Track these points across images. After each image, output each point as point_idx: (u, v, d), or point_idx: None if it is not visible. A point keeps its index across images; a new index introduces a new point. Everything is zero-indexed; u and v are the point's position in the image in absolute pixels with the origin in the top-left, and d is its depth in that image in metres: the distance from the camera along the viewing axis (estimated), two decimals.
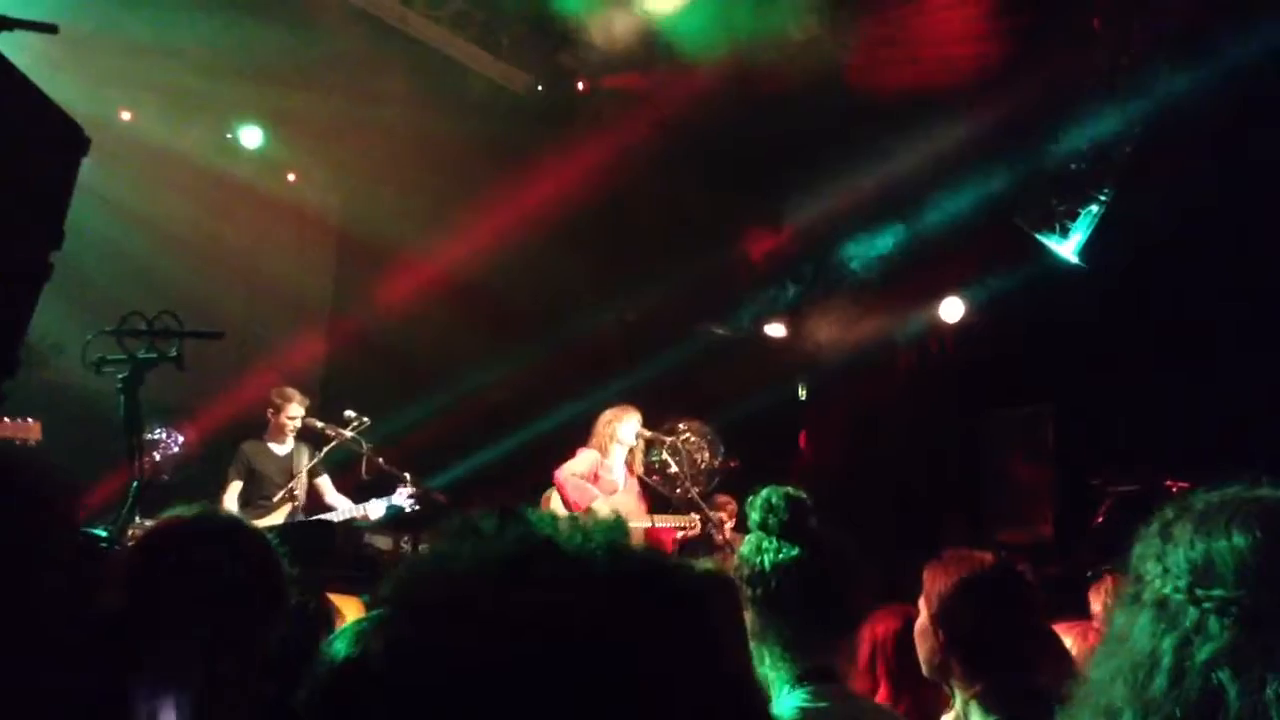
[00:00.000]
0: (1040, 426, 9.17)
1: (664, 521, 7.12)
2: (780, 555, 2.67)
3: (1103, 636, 1.41)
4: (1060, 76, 7.67)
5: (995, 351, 8.76)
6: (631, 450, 7.10)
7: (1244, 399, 6.91)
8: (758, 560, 2.61)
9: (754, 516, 2.74)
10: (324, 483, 7.28)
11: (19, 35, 3.15)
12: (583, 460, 6.93)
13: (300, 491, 7.11)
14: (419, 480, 6.97)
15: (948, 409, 9.21)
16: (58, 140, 2.87)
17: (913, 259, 8.89)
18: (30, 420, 6.01)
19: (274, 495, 6.99)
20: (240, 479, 7.07)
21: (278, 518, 6.91)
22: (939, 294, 9.13)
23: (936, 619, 2.56)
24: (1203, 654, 1.27)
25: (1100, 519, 7.39)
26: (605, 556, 0.96)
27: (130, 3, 7.26)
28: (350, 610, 3.80)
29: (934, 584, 2.64)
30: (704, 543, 7.54)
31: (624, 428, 7.03)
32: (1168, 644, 1.28)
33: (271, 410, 7.25)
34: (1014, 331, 8.60)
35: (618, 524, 1.00)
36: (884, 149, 8.22)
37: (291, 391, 7.32)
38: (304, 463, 7.14)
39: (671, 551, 7.16)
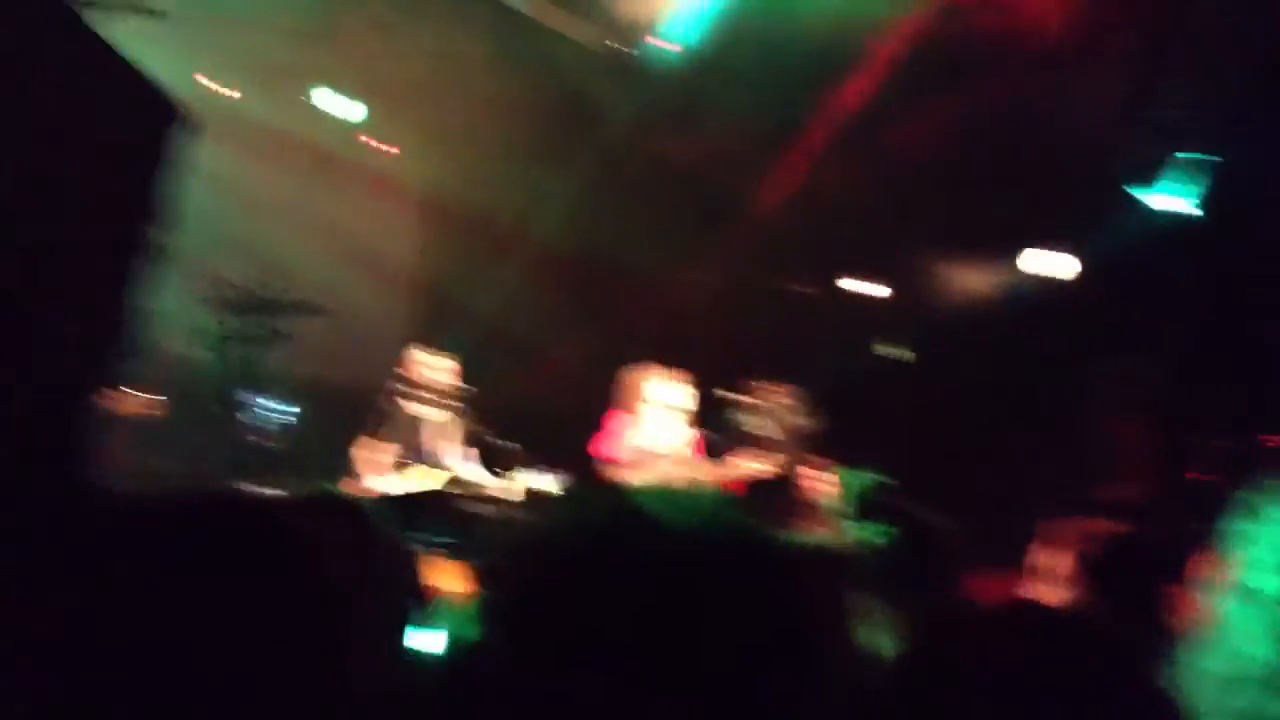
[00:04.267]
0: (1141, 381, 8.94)
1: (725, 471, 7.05)
2: (869, 539, 2.69)
3: (1198, 623, 1.33)
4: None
5: (1097, 304, 8.55)
6: (680, 412, 7.03)
7: None
8: (850, 544, 2.63)
9: (842, 504, 2.75)
10: (456, 451, 7.28)
11: (114, 15, 3.18)
12: (621, 428, 6.92)
13: (441, 455, 7.11)
14: (524, 451, 6.99)
15: (1047, 364, 9.01)
16: (157, 116, 2.90)
17: (1012, 212, 8.68)
18: (136, 394, 6.15)
19: (415, 458, 7.00)
20: (384, 441, 7.09)
21: (416, 481, 6.95)
22: (1038, 246, 8.93)
23: (1056, 587, 2.50)
24: None
25: (1199, 477, 7.22)
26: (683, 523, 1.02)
27: None
28: (450, 578, 3.84)
29: (1051, 551, 2.59)
30: (799, 510, 7.46)
31: (649, 387, 6.97)
32: (1265, 649, 1.18)
33: (403, 368, 7.25)
34: (1116, 284, 8.38)
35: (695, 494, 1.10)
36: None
37: (422, 349, 7.34)
38: (444, 426, 7.15)
39: (743, 495, 7.10)
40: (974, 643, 1.08)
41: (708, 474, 6.94)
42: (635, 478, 6.69)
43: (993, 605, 1.19)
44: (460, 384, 7.16)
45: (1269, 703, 1.21)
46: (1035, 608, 1.31)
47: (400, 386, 7.22)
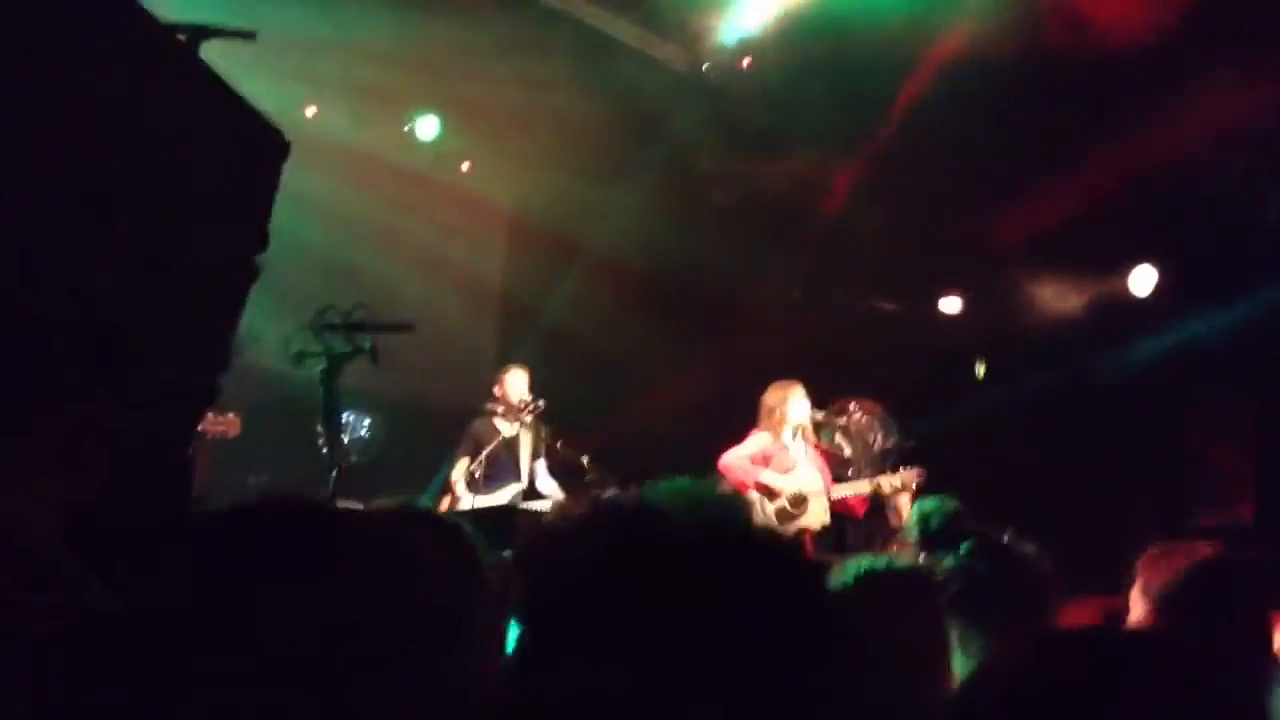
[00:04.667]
0: (1242, 405, 8.69)
1: (841, 490, 7.02)
2: (944, 565, 2.67)
3: None
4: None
5: (1195, 325, 8.32)
6: (802, 428, 7.03)
7: None
8: (927, 571, 2.61)
9: (913, 532, 2.73)
10: (539, 466, 7.35)
11: (217, 43, 3.29)
12: (751, 443, 6.90)
13: (525, 472, 7.18)
14: (598, 464, 7.04)
15: (1141, 386, 8.79)
16: (261, 145, 2.99)
17: (1098, 224, 8.50)
18: (230, 415, 6.27)
19: (501, 474, 7.08)
20: (468, 455, 7.18)
21: (504, 497, 7.04)
22: (1130, 263, 8.73)
23: (1157, 614, 2.44)
24: None
25: None
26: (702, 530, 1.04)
27: (311, 2, 7.52)
28: None
29: (1153, 577, 2.53)
30: (880, 525, 7.41)
31: (793, 406, 6.96)
32: None
33: (496, 384, 7.35)
34: (1212, 301, 8.15)
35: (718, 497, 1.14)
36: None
37: (512, 367, 7.42)
38: (528, 442, 7.22)
39: (861, 516, 7.06)
40: (1057, 672, 1.07)
41: (833, 496, 6.92)
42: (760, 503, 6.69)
43: (1078, 633, 1.17)
44: (544, 401, 7.23)
45: None
46: (1124, 636, 1.29)
47: (489, 404, 7.32)
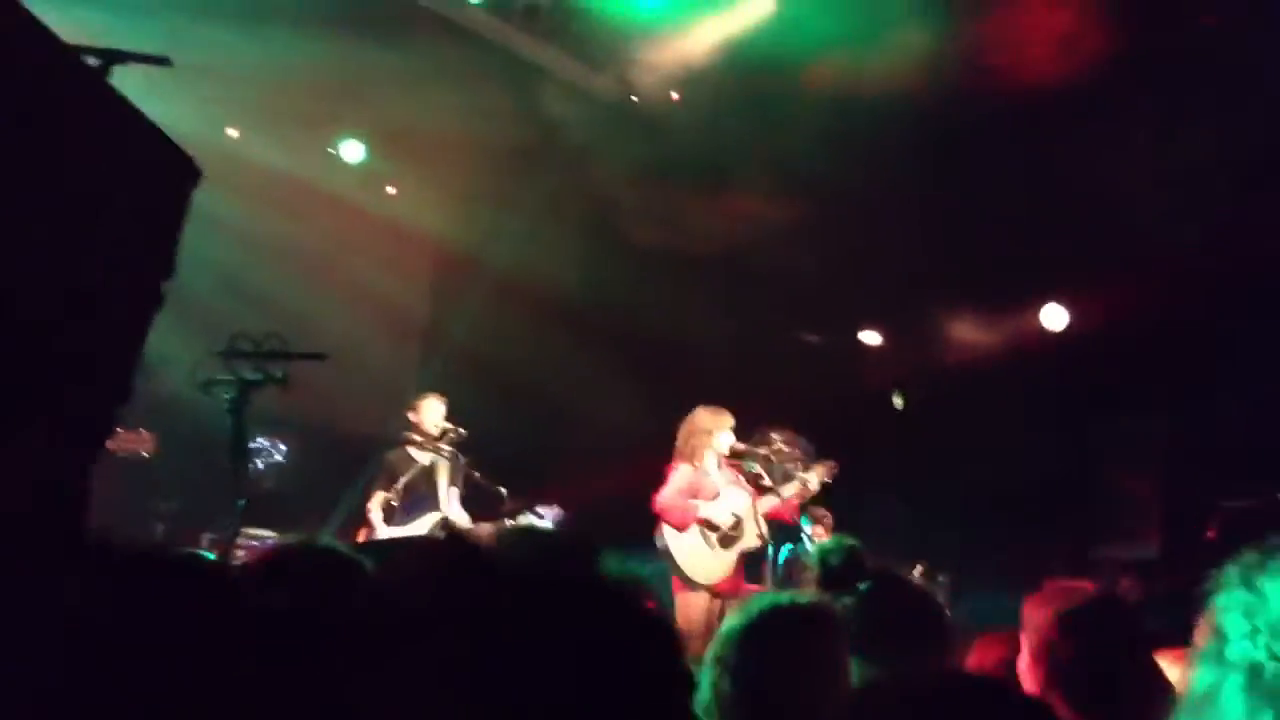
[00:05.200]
0: (1150, 438, 8.92)
1: (768, 503, 7.05)
2: (843, 603, 2.72)
3: (1184, 693, 1.28)
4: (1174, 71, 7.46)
5: (1103, 360, 8.54)
6: (722, 456, 7.07)
7: None
8: (828, 607, 2.65)
9: (814, 570, 2.78)
10: (452, 495, 7.28)
11: (132, 69, 3.26)
12: (678, 478, 6.90)
13: (444, 502, 7.11)
14: (516, 496, 7.01)
15: (1051, 420, 8.99)
16: (171, 172, 2.96)
17: (1011, 263, 8.71)
18: (144, 431, 6.17)
19: (418, 504, 7.00)
20: (384, 489, 7.10)
21: (423, 527, 6.95)
22: (1042, 300, 8.95)
23: (1037, 654, 2.50)
24: None
25: (1211, 535, 7.16)
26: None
27: (234, 26, 7.45)
28: None
29: (1034, 617, 2.59)
30: (798, 560, 7.47)
31: (721, 436, 6.98)
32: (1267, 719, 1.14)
33: (411, 411, 7.28)
34: (1122, 337, 8.38)
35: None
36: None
37: (429, 394, 7.35)
38: (445, 471, 7.16)
39: (791, 521, 7.10)
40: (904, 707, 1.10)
41: (752, 512, 6.95)
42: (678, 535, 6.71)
43: (941, 677, 1.21)
44: (460, 430, 7.18)
45: None
46: (983, 683, 1.32)
47: (404, 433, 7.25)
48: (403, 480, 6.98)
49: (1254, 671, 1.18)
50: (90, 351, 2.60)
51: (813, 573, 2.92)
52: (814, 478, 7.06)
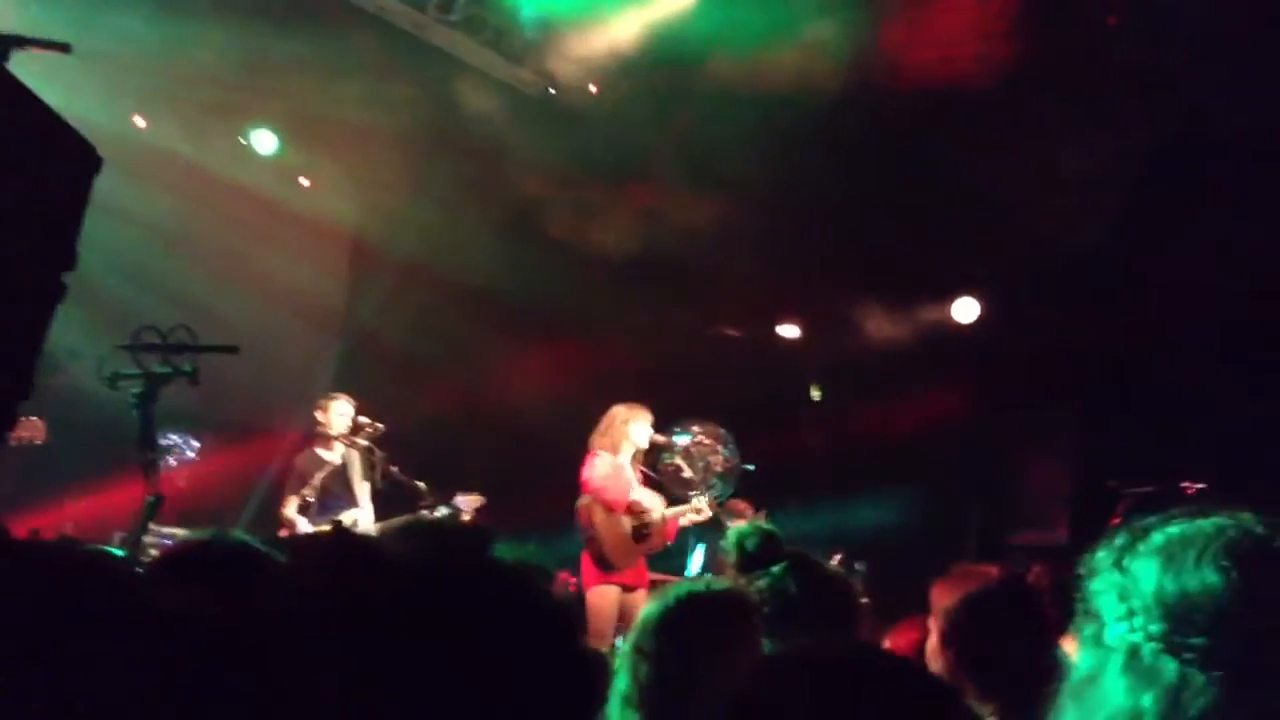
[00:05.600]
0: (1059, 428, 9.14)
1: (674, 511, 7.13)
2: (757, 586, 2.76)
3: (1067, 678, 1.29)
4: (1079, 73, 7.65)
5: (1013, 351, 8.73)
6: (638, 451, 7.12)
7: (1271, 401, 6.87)
8: (744, 592, 2.69)
9: (730, 555, 2.82)
10: (363, 491, 7.19)
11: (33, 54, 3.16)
12: (602, 463, 6.95)
13: (361, 499, 7.00)
14: (434, 490, 6.95)
15: (964, 410, 9.18)
16: (70, 159, 2.88)
17: (926, 256, 8.87)
18: (35, 419, 5.95)
19: (334, 504, 6.88)
20: (295, 492, 6.96)
21: (329, 522, 6.83)
22: (954, 293, 9.13)
23: (944, 637, 2.56)
24: (1192, 712, 1.13)
25: (1117, 521, 7.34)
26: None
27: (143, 13, 7.27)
28: None
29: (941, 601, 2.65)
30: (714, 550, 7.55)
31: (636, 428, 7.05)
32: (1148, 701, 1.15)
33: (319, 410, 7.15)
34: (1032, 330, 8.58)
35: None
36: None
37: (337, 393, 7.24)
38: (358, 467, 7.06)
39: (672, 539, 7.19)
40: (802, 691, 1.11)
41: (660, 512, 7.02)
42: (602, 514, 6.76)
43: (841, 653, 1.22)
44: (375, 425, 7.10)
45: None
46: (882, 661, 1.35)
47: (316, 429, 7.16)
48: (317, 479, 6.88)
49: (1132, 653, 1.20)
50: None
51: (730, 558, 2.95)
52: (705, 504, 7.16)
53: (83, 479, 7.30)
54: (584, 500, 6.88)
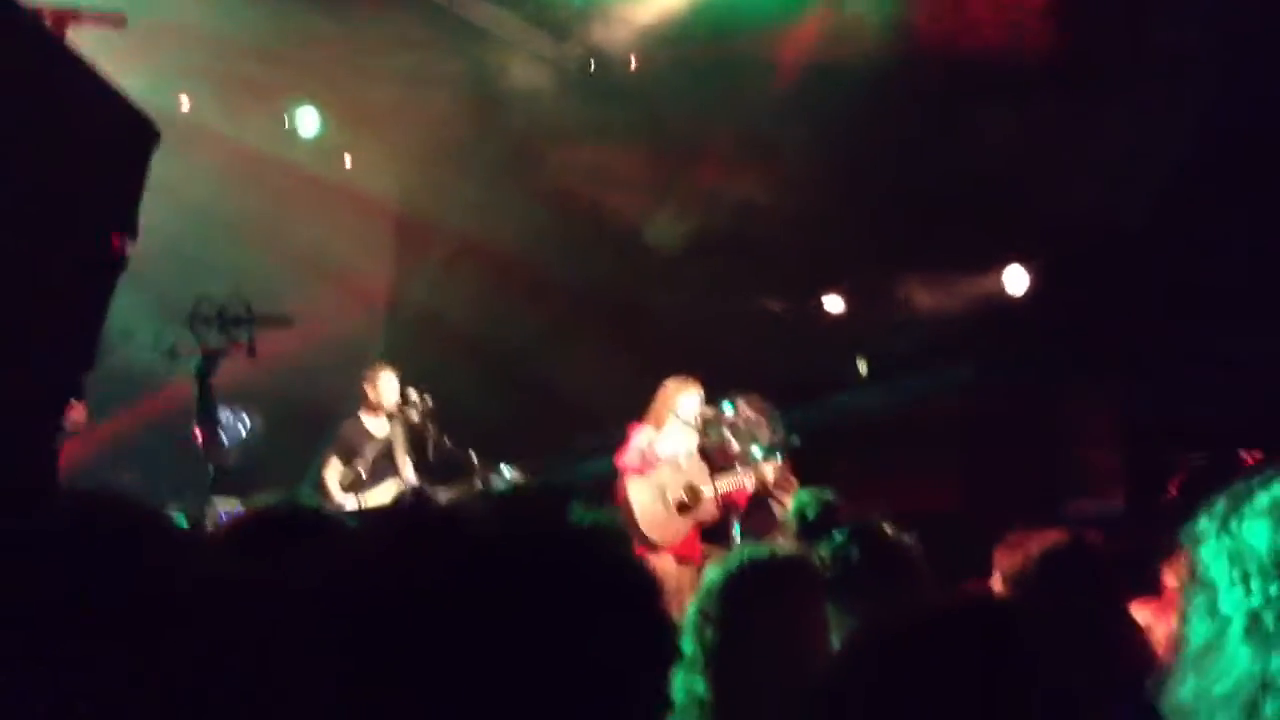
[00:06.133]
0: (1113, 396, 9.03)
1: (727, 483, 7.12)
2: (820, 553, 2.75)
3: (1181, 648, 1.28)
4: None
5: (1065, 321, 8.63)
6: (689, 424, 7.12)
7: None
8: (806, 559, 2.68)
9: (792, 523, 2.81)
10: (405, 464, 7.28)
11: (82, 27, 3.18)
12: (639, 438, 6.96)
13: (405, 470, 7.11)
14: (485, 462, 6.99)
15: (1015, 379, 9.08)
16: (129, 132, 2.89)
17: (974, 227, 8.76)
18: (75, 403, 6.00)
19: (374, 472, 6.99)
20: (339, 457, 7.07)
21: (384, 495, 6.94)
22: (1003, 263, 9.02)
23: (1011, 597, 2.53)
24: None
25: (1174, 492, 7.27)
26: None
27: None
28: None
29: (1006, 564, 2.62)
30: (765, 518, 7.53)
31: (684, 402, 7.05)
32: (1277, 665, 1.13)
33: (368, 383, 7.25)
34: (1086, 300, 8.47)
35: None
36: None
37: (385, 364, 7.33)
38: (402, 440, 7.14)
39: (744, 509, 7.18)
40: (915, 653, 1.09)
41: (709, 487, 7.03)
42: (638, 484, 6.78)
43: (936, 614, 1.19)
44: (424, 398, 7.16)
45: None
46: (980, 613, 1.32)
47: (365, 401, 7.26)
48: (367, 452, 6.98)
49: (1253, 618, 1.18)
50: (54, 315, 2.55)
51: (790, 528, 2.94)
52: (769, 470, 7.13)
53: (135, 457, 7.40)
54: (620, 479, 6.91)
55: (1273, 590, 1.16)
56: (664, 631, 1.13)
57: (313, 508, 2.18)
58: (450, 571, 1.00)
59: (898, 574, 2.85)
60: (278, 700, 0.99)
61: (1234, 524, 1.22)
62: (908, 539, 3.04)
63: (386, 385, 7.19)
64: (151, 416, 6.85)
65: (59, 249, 2.59)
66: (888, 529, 2.95)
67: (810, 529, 2.91)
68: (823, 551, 2.81)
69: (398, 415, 7.08)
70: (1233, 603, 1.19)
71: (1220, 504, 1.27)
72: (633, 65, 8.92)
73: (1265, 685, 1.14)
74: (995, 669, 1.06)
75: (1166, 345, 8.21)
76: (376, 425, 7.18)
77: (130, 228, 2.76)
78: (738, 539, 7.82)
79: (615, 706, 1.01)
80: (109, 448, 6.93)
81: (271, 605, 1.14)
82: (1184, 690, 1.20)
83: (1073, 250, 8.61)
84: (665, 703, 1.10)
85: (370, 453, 7.00)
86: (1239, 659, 1.16)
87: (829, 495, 3.11)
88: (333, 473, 7.00)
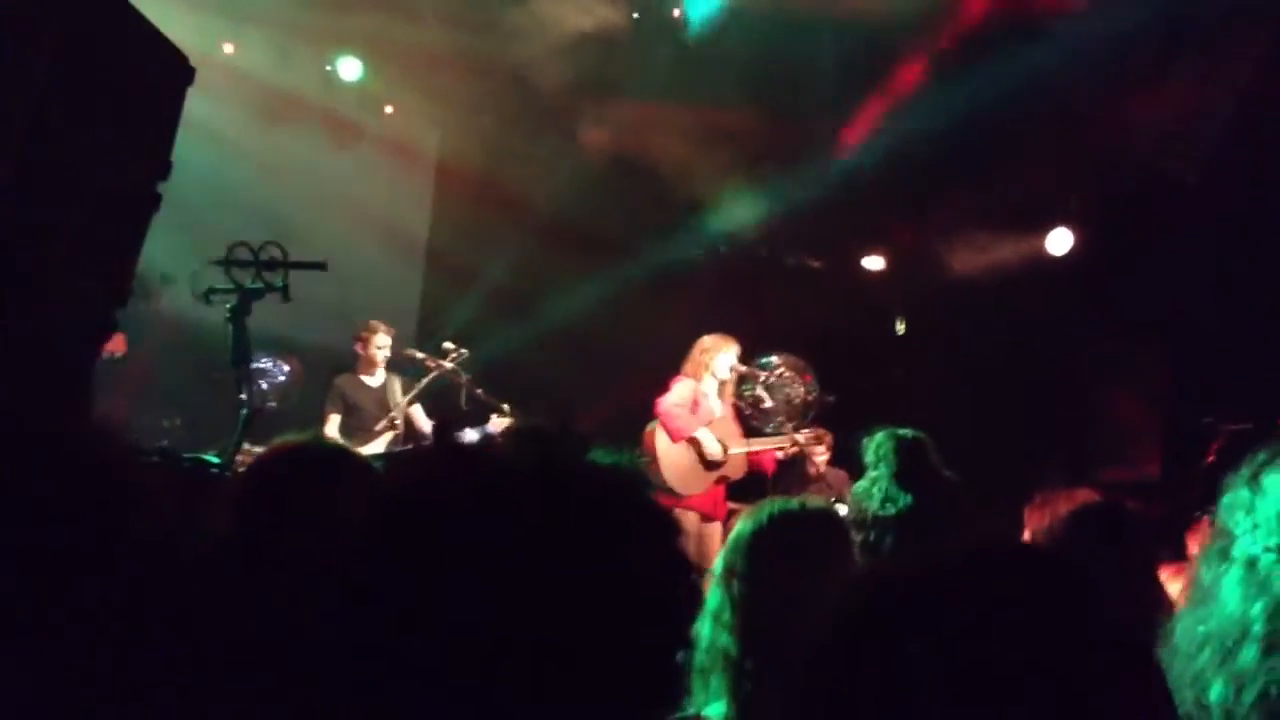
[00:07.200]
0: (1151, 360, 8.91)
1: (761, 444, 7.12)
2: (886, 506, 2.69)
3: (1189, 591, 1.30)
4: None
5: (1107, 285, 8.51)
6: (724, 382, 7.11)
7: None
8: (866, 506, 2.63)
9: (868, 458, 2.75)
10: (416, 411, 7.41)
11: None
12: (682, 389, 6.96)
13: (400, 421, 7.25)
14: (517, 410, 7.02)
15: (1052, 342, 8.97)
16: (164, 70, 2.89)
17: (1018, 186, 8.63)
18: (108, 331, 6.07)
19: (371, 426, 7.13)
20: (338, 412, 7.24)
21: (379, 446, 7.05)
22: (1048, 225, 8.89)
23: None
24: None
25: (1211, 459, 7.17)
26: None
27: None
28: None
29: (1038, 522, 2.59)
30: (797, 476, 7.52)
31: (720, 359, 7.03)
32: (1258, 610, 1.16)
33: (359, 343, 7.41)
34: (1128, 263, 8.34)
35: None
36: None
37: (377, 323, 7.47)
38: (397, 393, 7.29)
39: (772, 475, 7.19)
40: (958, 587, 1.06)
41: (740, 445, 7.03)
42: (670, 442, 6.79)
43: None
44: (460, 350, 7.21)
45: (1264, 663, 1.18)
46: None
47: (359, 360, 7.40)
48: (353, 402, 7.19)
49: (1250, 564, 1.20)
50: (88, 248, 2.56)
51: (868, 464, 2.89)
52: (802, 438, 7.14)
53: (175, 401, 7.51)
54: (651, 425, 6.91)
55: (1272, 540, 1.17)
56: (683, 569, 1.12)
57: (340, 447, 2.18)
58: (483, 497, 1.01)
59: (952, 521, 2.80)
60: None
61: (1262, 476, 1.24)
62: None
63: (378, 338, 7.36)
64: (192, 362, 6.94)
65: (95, 181, 2.60)
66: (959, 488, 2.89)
67: (887, 473, 2.84)
68: (887, 508, 2.74)
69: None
70: (1240, 549, 1.20)
71: (1256, 458, 1.28)
72: (676, 17, 8.82)
73: (1244, 631, 1.16)
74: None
75: (1210, 310, 8.08)
76: (367, 378, 7.37)
77: (164, 165, 2.76)
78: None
79: (634, 640, 1.01)
80: (156, 393, 7.06)
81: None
82: (1178, 629, 1.23)
83: (1118, 211, 8.48)
84: (686, 644, 1.10)
85: (371, 406, 7.19)
86: (1229, 601, 1.18)
87: (914, 434, 3.06)
88: (332, 425, 7.15)
